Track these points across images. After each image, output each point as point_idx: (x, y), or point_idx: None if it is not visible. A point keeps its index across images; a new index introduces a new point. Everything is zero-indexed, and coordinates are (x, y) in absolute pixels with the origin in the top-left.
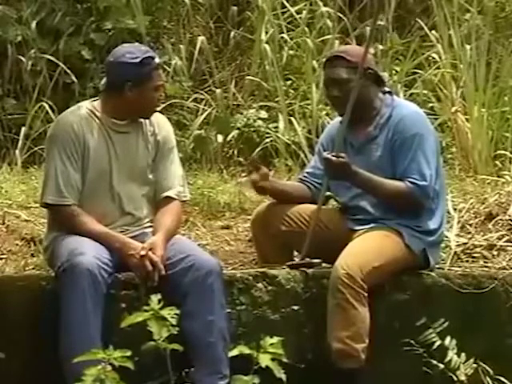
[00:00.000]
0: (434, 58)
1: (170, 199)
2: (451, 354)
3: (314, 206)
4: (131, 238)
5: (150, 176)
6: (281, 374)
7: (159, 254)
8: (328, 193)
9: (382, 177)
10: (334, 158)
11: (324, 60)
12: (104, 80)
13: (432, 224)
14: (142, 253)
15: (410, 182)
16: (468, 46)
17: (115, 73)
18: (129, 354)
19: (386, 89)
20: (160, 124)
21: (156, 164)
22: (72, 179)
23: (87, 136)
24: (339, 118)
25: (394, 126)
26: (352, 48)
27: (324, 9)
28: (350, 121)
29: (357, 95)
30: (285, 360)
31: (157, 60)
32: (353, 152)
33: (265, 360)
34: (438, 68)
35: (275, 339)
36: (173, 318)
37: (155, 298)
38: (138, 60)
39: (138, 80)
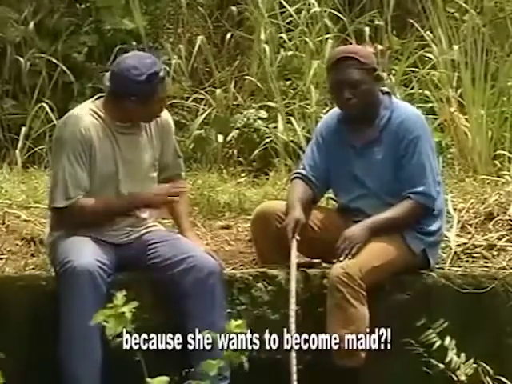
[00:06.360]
0: (430, 59)
1: (180, 176)
2: (451, 355)
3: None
4: (134, 238)
5: (154, 174)
6: (243, 361)
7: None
8: (328, 194)
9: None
10: (351, 233)
11: (332, 61)
12: (106, 80)
13: (433, 225)
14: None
15: (414, 192)
16: (466, 46)
17: (118, 85)
18: None
19: (385, 89)
20: (162, 115)
21: (165, 149)
22: (80, 179)
23: (94, 138)
24: (337, 111)
25: (396, 128)
26: (361, 48)
27: (319, 9)
28: (353, 122)
29: (367, 96)
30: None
31: (162, 73)
32: (354, 154)
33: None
34: (435, 68)
35: (239, 321)
36: (131, 312)
37: (120, 295)
38: (143, 77)
39: (142, 96)
